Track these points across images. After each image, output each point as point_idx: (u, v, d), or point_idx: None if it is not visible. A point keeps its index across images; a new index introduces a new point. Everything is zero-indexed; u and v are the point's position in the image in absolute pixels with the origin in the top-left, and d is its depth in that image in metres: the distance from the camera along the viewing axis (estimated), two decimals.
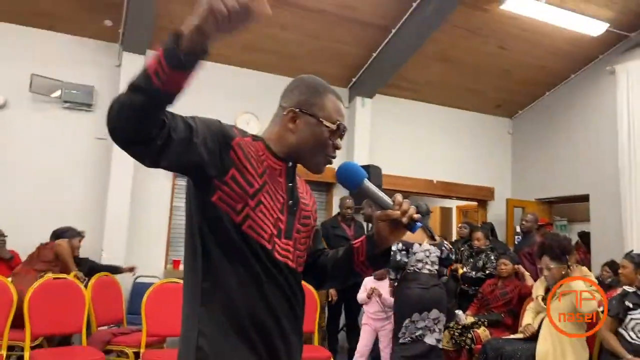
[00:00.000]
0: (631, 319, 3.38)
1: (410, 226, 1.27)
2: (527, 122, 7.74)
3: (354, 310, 5.24)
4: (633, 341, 3.34)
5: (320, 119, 1.30)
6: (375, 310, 4.40)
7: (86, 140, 5.60)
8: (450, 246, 4.46)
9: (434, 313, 3.89)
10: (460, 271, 5.31)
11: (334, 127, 1.31)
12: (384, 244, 1.34)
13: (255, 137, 1.32)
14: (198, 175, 1.20)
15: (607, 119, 6.31)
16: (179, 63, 1.00)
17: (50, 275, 4.17)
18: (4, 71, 5.34)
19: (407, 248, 4.00)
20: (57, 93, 5.44)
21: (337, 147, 1.34)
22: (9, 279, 4.10)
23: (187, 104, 5.70)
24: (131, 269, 5.05)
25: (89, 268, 4.74)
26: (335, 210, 6.31)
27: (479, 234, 5.38)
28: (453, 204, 9.80)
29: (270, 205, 1.26)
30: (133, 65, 5.67)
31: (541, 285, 3.98)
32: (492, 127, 7.81)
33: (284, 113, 1.32)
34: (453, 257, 4.35)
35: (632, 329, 3.37)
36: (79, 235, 4.75)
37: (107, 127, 1.06)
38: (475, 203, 8.04)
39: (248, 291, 1.21)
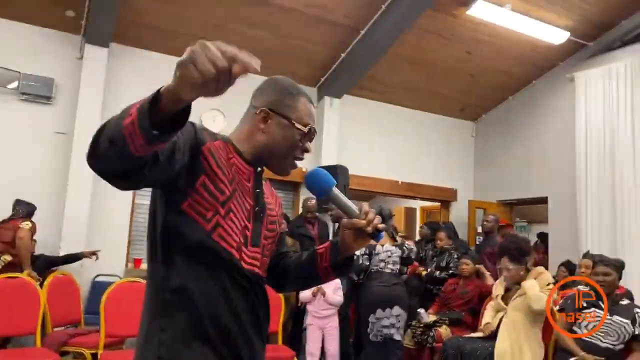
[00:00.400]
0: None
1: (375, 236, 1.29)
2: (489, 126, 7.92)
3: None
4: (587, 339, 3.46)
5: (292, 121, 1.29)
6: (319, 309, 4.40)
7: (45, 133, 5.41)
8: (412, 246, 4.69)
9: (396, 310, 4.18)
10: (423, 272, 5.37)
11: (305, 129, 1.30)
12: (348, 251, 1.35)
13: (223, 138, 1.29)
14: (168, 186, 1.16)
15: (566, 125, 6.52)
16: (152, 138, 0.91)
17: (7, 257, 4.05)
18: None
19: (370, 251, 4.31)
20: (14, 84, 5.23)
21: (306, 150, 1.34)
22: None
23: None
24: (93, 253, 4.88)
25: (46, 262, 4.60)
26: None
27: (441, 234, 5.46)
28: (417, 204, 9.95)
29: (239, 212, 1.24)
30: (95, 58, 5.51)
31: (500, 285, 4.08)
32: (456, 129, 7.96)
33: (256, 112, 1.30)
34: (413, 256, 4.68)
35: (586, 327, 3.49)
36: (31, 209, 4.62)
37: (87, 161, 0.97)
38: (438, 204, 8.18)
39: (213, 298, 1.19)
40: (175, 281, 1.18)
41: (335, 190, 1.30)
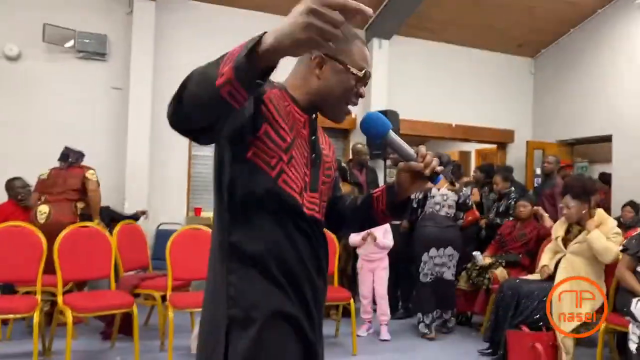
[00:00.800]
0: None
1: (432, 178, 1.29)
2: (549, 62, 7.49)
3: None
4: None
5: (348, 66, 1.27)
6: (369, 252, 4.42)
7: (102, 90, 5.61)
8: (469, 192, 4.70)
9: (449, 250, 4.42)
10: (483, 222, 5.24)
11: (360, 74, 1.28)
12: (404, 194, 1.37)
13: (278, 86, 1.30)
14: (237, 136, 1.19)
15: (634, 56, 6.07)
16: (254, 89, 0.98)
17: (81, 205, 4.40)
18: (16, 21, 5.29)
19: (426, 193, 4.47)
20: (71, 43, 5.40)
21: (360, 95, 1.32)
22: (45, 208, 4.33)
23: (203, 51, 5.60)
24: (143, 212, 5.22)
25: (110, 219, 4.87)
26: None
27: (497, 178, 5.31)
28: (472, 147, 9.69)
29: (300, 159, 1.27)
30: (144, 12, 5.57)
31: (561, 226, 3.97)
32: (514, 67, 7.58)
33: (311, 58, 1.29)
34: (469, 202, 4.73)
35: None
36: (81, 155, 4.70)
37: (171, 122, 1.02)
38: (494, 146, 7.94)
39: (278, 242, 1.23)
40: (242, 228, 1.23)
41: (392, 134, 1.30)
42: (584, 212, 3.70)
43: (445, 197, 4.43)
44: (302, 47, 0.92)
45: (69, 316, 3.31)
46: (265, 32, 0.94)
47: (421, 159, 1.29)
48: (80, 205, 4.49)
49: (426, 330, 4.35)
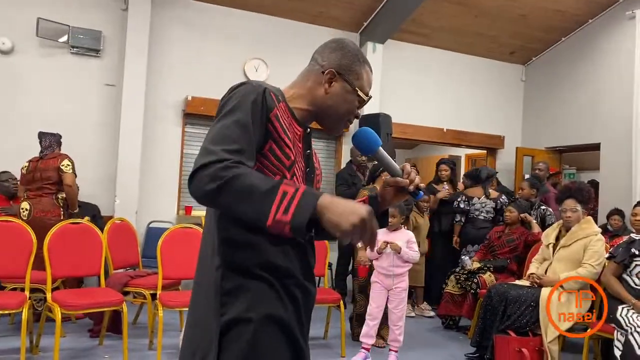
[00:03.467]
0: (636, 265, 3.44)
1: (415, 194, 1.37)
2: (540, 69, 7.58)
3: None
4: (636, 287, 3.42)
5: (356, 88, 1.34)
6: (387, 265, 3.82)
7: (95, 86, 5.58)
8: (506, 200, 5.39)
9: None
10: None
11: (365, 98, 1.36)
12: (385, 205, 1.44)
13: (282, 97, 1.32)
14: None
15: (624, 66, 6.16)
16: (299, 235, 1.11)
17: (62, 195, 4.38)
18: (10, 15, 5.24)
19: (469, 200, 5.40)
20: (64, 38, 5.36)
21: (357, 117, 1.40)
22: (25, 204, 4.31)
23: (197, 50, 5.61)
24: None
25: (92, 216, 4.85)
26: (345, 158, 6.35)
27: (523, 184, 5.52)
28: (462, 152, 9.77)
29: (299, 175, 1.31)
30: (139, 9, 5.56)
31: (552, 232, 4.02)
32: (505, 74, 7.67)
33: (323, 72, 1.33)
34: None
35: (637, 275, 3.44)
36: (58, 141, 4.62)
37: (199, 195, 1.15)
38: (484, 151, 8.01)
39: (274, 251, 1.25)
40: (238, 235, 1.24)
41: (381, 150, 1.38)
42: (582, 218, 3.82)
43: (483, 205, 5.37)
44: (338, 233, 1.07)
45: (58, 313, 3.30)
46: (317, 202, 1.08)
47: (406, 176, 1.35)
48: (61, 195, 4.44)
49: None
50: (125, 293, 3.95)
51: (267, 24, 6.19)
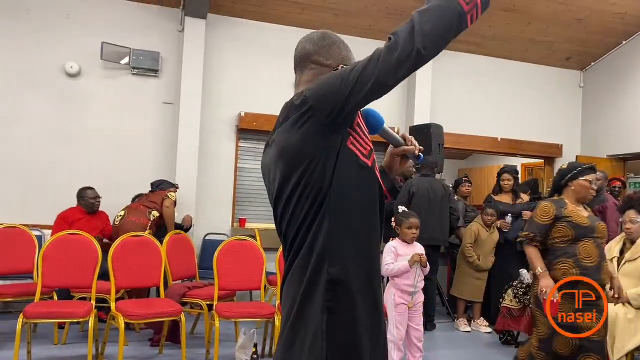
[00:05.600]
0: None
1: (419, 157, 1.53)
2: (600, 75, 7.28)
3: None
4: None
5: None
6: (412, 283, 3.54)
7: (154, 105, 5.84)
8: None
9: None
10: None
11: None
12: (393, 174, 1.57)
13: None
14: (348, 118, 1.29)
15: None
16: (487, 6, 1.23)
17: (156, 213, 4.78)
18: (78, 41, 5.60)
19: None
20: (126, 60, 5.66)
21: None
22: (122, 212, 4.80)
23: (249, 67, 5.76)
24: (189, 220, 5.37)
25: (157, 227, 5.08)
26: None
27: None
28: (518, 161, 9.48)
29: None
30: (194, 30, 5.79)
31: (616, 245, 3.83)
32: (562, 80, 7.41)
33: (335, 69, 1.40)
34: None
35: None
36: (174, 187, 5.21)
37: (418, 45, 1.18)
38: (541, 161, 7.75)
39: (372, 257, 1.35)
40: (343, 246, 1.28)
41: (385, 127, 1.49)
42: None
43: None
44: None
45: (121, 322, 3.46)
46: None
47: (410, 142, 1.49)
48: (155, 213, 4.81)
49: None
50: (184, 304, 4.08)
51: None
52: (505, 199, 5.54)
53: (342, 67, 1.37)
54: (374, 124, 1.44)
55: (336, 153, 1.26)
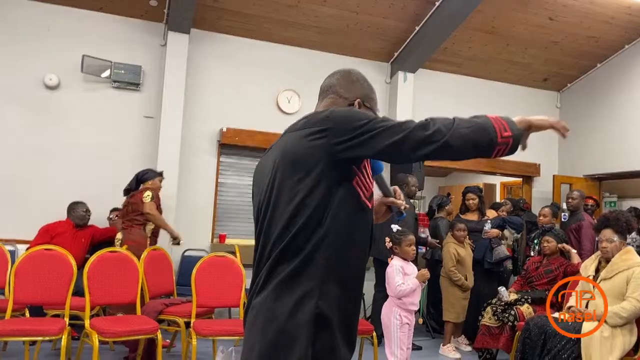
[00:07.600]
0: None
1: (401, 213, 1.60)
2: (576, 96, 7.46)
3: None
4: None
5: (377, 112, 1.50)
6: (415, 300, 3.58)
7: (135, 118, 5.79)
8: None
9: None
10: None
11: None
12: (377, 220, 1.59)
13: None
14: (355, 158, 1.35)
15: None
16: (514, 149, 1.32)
17: (151, 227, 4.60)
18: (57, 52, 5.54)
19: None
20: (107, 73, 5.61)
21: None
22: (119, 235, 4.60)
23: (230, 82, 5.77)
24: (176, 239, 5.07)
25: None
26: None
27: (545, 210, 5.38)
28: (497, 180, 9.62)
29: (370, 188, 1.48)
30: (177, 44, 5.78)
31: (591, 264, 3.88)
32: (539, 101, 7.58)
33: (350, 103, 1.48)
34: None
35: None
36: (159, 175, 4.97)
37: (449, 137, 1.27)
38: (520, 179, 7.87)
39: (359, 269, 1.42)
40: (330, 250, 1.33)
41: (382, 175, 1.57)
42: (622, 248, 3.65)
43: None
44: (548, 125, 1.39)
45: (95, 340, 3.37)
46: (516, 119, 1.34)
47: (398, 197, 1.57)
48: (149, 227, 4.66)
49: None
50: (160, 321, 4.00)
51: (299, 56, 6.34)
52: (472, 217, 5.62)
53: (358, 102, 1.48)
54: (374, 167, 1.50)
55: (339, 184, 1.31)
